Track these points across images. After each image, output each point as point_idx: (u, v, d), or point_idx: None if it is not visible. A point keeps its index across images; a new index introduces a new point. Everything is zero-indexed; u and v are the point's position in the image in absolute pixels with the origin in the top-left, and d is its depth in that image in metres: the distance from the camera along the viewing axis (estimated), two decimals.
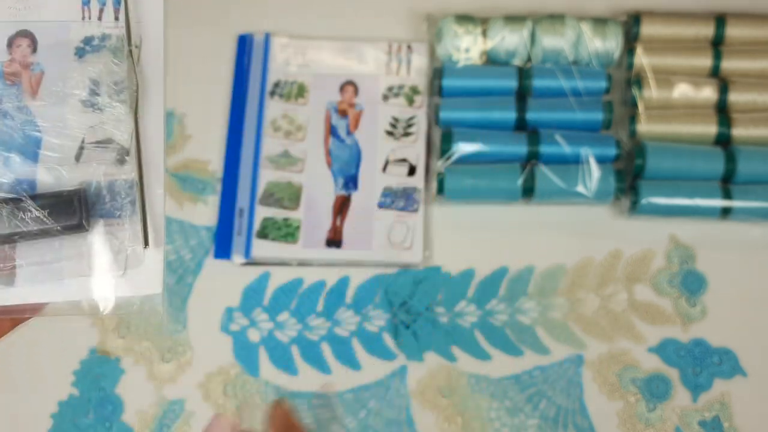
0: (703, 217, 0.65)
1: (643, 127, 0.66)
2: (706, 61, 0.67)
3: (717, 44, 0.68)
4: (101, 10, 0.34)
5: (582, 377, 0.63)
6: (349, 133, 0.69)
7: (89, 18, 0.34)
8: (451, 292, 0.65)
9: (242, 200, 0.67)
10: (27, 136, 0.33)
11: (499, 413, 0.62)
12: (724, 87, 0.67)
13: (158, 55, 0.34)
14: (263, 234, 0.66)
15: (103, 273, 0.34)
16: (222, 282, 0.66)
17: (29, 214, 0.32)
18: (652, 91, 0.66)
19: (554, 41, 0.67)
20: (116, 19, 0.34)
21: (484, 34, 0.68)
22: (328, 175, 0.68)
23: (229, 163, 0.68)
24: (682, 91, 0.66)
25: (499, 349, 0.64)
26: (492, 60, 0.69)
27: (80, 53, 0.34)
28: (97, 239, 0.34)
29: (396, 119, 0.69)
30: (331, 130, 0.69)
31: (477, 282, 0.65)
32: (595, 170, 0.65)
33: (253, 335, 0.65)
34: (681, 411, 0.62)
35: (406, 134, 0.69)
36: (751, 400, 0.62)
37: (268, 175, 0.68)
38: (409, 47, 0.71)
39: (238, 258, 0.66)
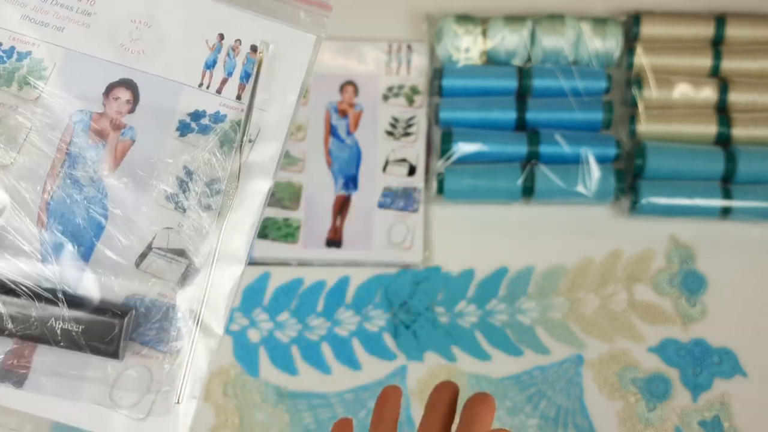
0: (703, 217, 0.65)
1: (643, 127, 0.66)
2: (706, 61, 0.67)
3: (717, 44, 0.68)
4: (224, 81, 0.27)
5: (582, 377, 0.63)
6: (349, 133, 0.69)
7: (208, 87, 0.27)
8: (451, 292, 0.65)
9: None
10: (89, 219, 0.27)
11: (499, 413, 0.62)
12: (724, 87, 0.67)
13: (273, 158, 0.27)
14: (263, 234, 0.66)
15: (123, 410, 0.28)
16: None
17: (60, 324, 0.26)
18: (652, 91, 0.66)
19: (554, 41, 0.67)
20: (238, 98, 0.27)
21: (484, 34, 0.68)
22: (328, 175, 0.68)
23: None
24: (682, 91, 0.66)
25: (499, 349, 0.64)
26: (492, 60, 0.69)
27: (183, 130, 0.27)
28: (129, 370, 0.28)
29: (396, 119, 0.69)
30: (331, 130, 0.69)
31: (477, 282, 0.65)
32: (595, 170, 0.65)
33: (253, 335, 0.65)
34: (681, 411, 0.62)
35: (406, 134, 0.69)
36: (751, 400, 0.62)
37: None
38: (409, 47, 0.71)
39: None
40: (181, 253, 0.27)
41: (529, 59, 0.69)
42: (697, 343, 0.63)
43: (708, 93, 0.67)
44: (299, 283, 0.66)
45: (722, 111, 0.67)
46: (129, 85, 0.26)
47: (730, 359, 0.63)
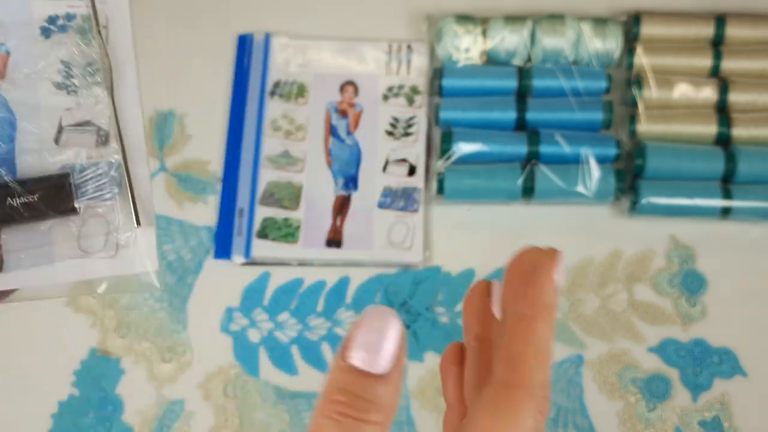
0: (703, 217, 0.65)
1: (643, 127, 0.66)
2: (706, 61, 0.67)
3: (717, 44, 0.68)
4: None
5: (582, 377, 0.63)
6: (349, 133, 0.69)
7: None
8: (451, 292, 0.65)
9: (242, 200, 0.67)
10: (1, 121, 0.32)
11: None
12: (724, 87, 0.67)
13: (127, 34, 0.33)
14: (263, 234, 0.66)
15: (95, 254, 0.33)
16: (222, 282, 0.66)
17: (18, 200, 0.32)
18: (652, 91, 0.66)
19: (554, 41, 0.67)
20: None
21: (484, 34, 0.68)
22: (328, 175, 0.68)
23: (229, 163, 0.68)
24: (682, 91, 0.67)
25: None
26: (492, 60, 0.69)
27: (46, 33, 0.32)
28: (87, 221, 0.34)
29: (396, 119, 0.69)
30: (331, 130, 0.69)
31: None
32: (595, 170, 0.65)
33: (253, 335, 0.65)
34: (681, 411, 0.62)
35: (406, 134, 0.69)
36: (751, 400, 0.62)
37: (268, 175, 0.68)
38: (409, 47, 0.71)
39: (238, 258, 0.66)
40: (88, 123, 0.33)
41: (529, 59, 0.69)
42: (697, 343, 0.63)
43: (708, 93, 0.67)
44: (299, 283, 0.66)
45: (722, 111, 0.67)
46: None
47: (730, 359, 0.63)
